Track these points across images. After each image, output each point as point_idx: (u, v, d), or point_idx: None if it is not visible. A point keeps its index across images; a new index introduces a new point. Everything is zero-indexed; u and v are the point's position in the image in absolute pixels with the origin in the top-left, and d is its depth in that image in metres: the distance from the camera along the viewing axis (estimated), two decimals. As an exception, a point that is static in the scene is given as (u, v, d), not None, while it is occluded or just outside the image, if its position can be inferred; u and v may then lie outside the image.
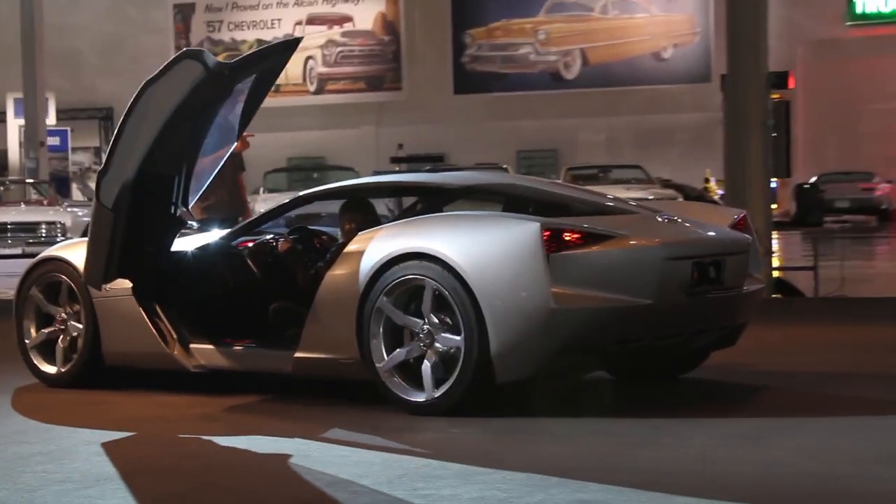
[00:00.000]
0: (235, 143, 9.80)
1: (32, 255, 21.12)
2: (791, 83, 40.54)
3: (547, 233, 7.70)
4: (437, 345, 8.00)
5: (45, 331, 9.71)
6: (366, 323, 8.21)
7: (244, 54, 9.15)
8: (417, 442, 7.31)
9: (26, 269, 9.91)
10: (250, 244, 9.62)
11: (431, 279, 7.94)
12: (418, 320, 8.08)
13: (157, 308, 9.20)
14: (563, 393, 8.71)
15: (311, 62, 49.57)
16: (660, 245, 8.10)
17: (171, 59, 8.44)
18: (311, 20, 49.54)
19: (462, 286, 7.81)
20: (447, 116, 45.55)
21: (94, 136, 50.22)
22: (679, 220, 8.76)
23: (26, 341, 9.76)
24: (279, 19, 49.76)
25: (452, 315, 7.92)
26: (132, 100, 8.43)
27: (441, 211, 9.03)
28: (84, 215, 32.33)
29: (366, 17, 49.28)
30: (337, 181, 28.26)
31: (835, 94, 44.39)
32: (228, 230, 9.81)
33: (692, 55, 46.03)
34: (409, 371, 8.16)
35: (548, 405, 8.33)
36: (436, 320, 8.01)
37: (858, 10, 44.01)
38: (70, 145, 44.12)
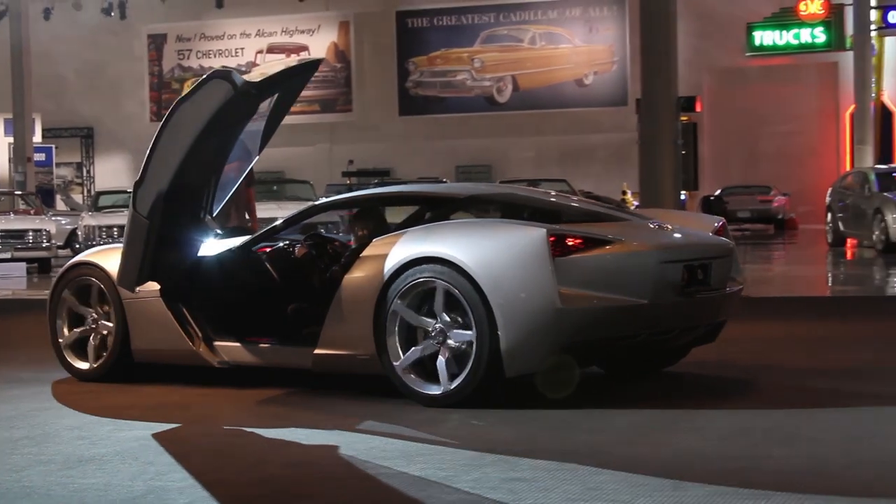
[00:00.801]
0: (257, 157, 9.63)
1: (20, 260, 20.65)
2: (698, 107, 40.80)
3: (552, 238, 7.64)
4: (450, 342, 7.89)
5: (77, 330, 9.56)
6: (382, 322, 8.10)
7: (269, 74, 8.98)
8: (451, 433, 7.12)
9: (59, 274, 9.78)
10: (268, 250, 9.51)
11: (445, 281, 7.83)
12: (431, 320, 7.95)
13: (183, 309, 9.08)
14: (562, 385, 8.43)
15: (271, 87, 49.37)
16: (655, 249, 8.09)
17: (202, 78, 8.34)
18: (271, 49, 49.52)
19: (474, 287, 7.70)
20: (393, 135, 45.56)
21: (76, 152, 49.96)
22: (669, 226, 8.71)
23: (60, 340, 9.62)
24: (242, 48, 49.71)
25: (464, 315, 7.82)
26: (166, 116, 8.39)
27: (448, 219, 8.89)
28: (67, 223, 32.26)
29: (320, 47, 49.28)
30: (295, 192, 28.38)
31: (737, 116, 44.62)
32: (248, 237, 9.60)
33: (611, 81, 46.20)
34: (423, 366, 8.05)
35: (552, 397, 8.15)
36: (448, 319, 7.89)
37: (757, 42, 44.24)
38: (54, 161, 44.01)
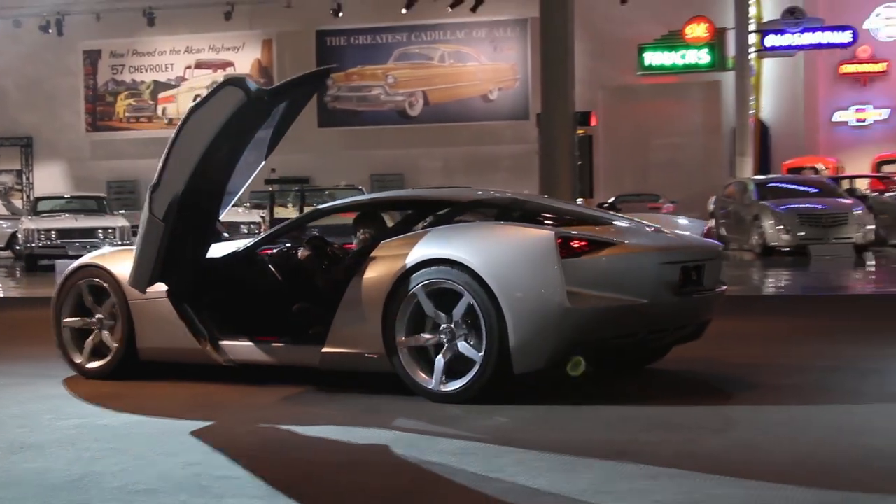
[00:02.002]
0: (263, 163, 9.29)
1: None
2: (593, 121, 40.99)
3: (559, 240, 7.48)
4: (457, 341, 7.67)
5: (80, 319, 9.30)
6: (390, 320, 7.87)
7: (282, 81, 8.69)
8: (479, 429, 6.88)
9: (64, 275, 9.47)
10: (270, 252, 9.32)
11: (454, 281, 7.61)
12: (444, 315, 7.72)
13: (189, 309, 8.78)
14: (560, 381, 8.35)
15: (199, 100, 49.07)
16: (655, 251, 7.94)
17: (216, 85, 8.02)
18: (199, 65, 49.25)
19: (483, 288, 7.50)
20: (313, 146, 45.39)
21: (16, 160, 49.25)
22: (664, 230, 8.58)
23: (64, 339, 9.36)
24: (172, 64, 49.35)
25: (473, 315, 7.60)
26: (181, 121, 8.09)
27: (451, 222, 8.70)
28: (8, 227, 31.92)
29: (245, 63, 49.05)
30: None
31: (629, 130, 44.93)
32: (251, 240, 9.38)
33: (514, 97, 46.36)
34: (430, 363, 7.81)
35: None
36: (458, 319, 7.67)
37: (647, 62, 44.55)
38: (-5, 168, 43.56)
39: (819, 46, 43.01)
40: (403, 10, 43.58)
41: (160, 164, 8.16)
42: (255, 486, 5.59)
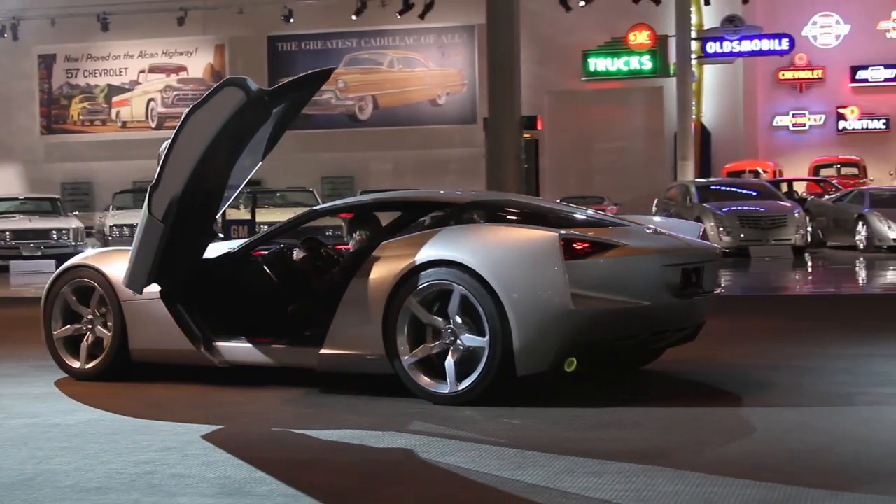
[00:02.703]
0: (259, 164, 9.05)
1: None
2: (539, 125, 41.21)
3: (562, 242, 7.29)
4: (460, 342, 7.47)
5: (71, 327, 9.07)
6: (392, 322, 7.66)
7: (283, 82, 8.48)
8: (494, 431, 6.70)
9: (55, 275, 9.22)
10: (265, 253, 9.10)
11: (457, 283, 7.40)
12: (441, 320, 7.54)
13: (183, 310, 8.50)
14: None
15: (152, 103, 49.10)
16: (657, 253, 7.80)
17: (216, 85, 7.76)
18: (153, 69, 49.06)
19: (486, 290, 7.30)
20: (264, 149, 45.20)
21: (-30, 161, 48.96)
22: (664, 232, 8.40)
23: (54, 339, 9.12)
24: (126, 68, 49.12)
25: (476, 316, 7.40)
26: (180, 121, 7.86)
27: (449, 223, 8.32)
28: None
29: (197, 67, 48.92)
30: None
31: (574, 134, 45.06)
32: (246, 240, 9.19)
33: (461, 102, 46.41)
34: (431, 366, 7.63)
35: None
36: (459, 320, 7.47)
37: (591, 68, 44.70)
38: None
39: (757, 53, 43.32)
40: (353, 17, 43.55)
41: (159, 164, 7.96)
42: (207, 485, 5.54)
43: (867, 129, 46.12)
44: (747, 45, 42.56)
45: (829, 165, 41.23)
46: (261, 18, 46.42)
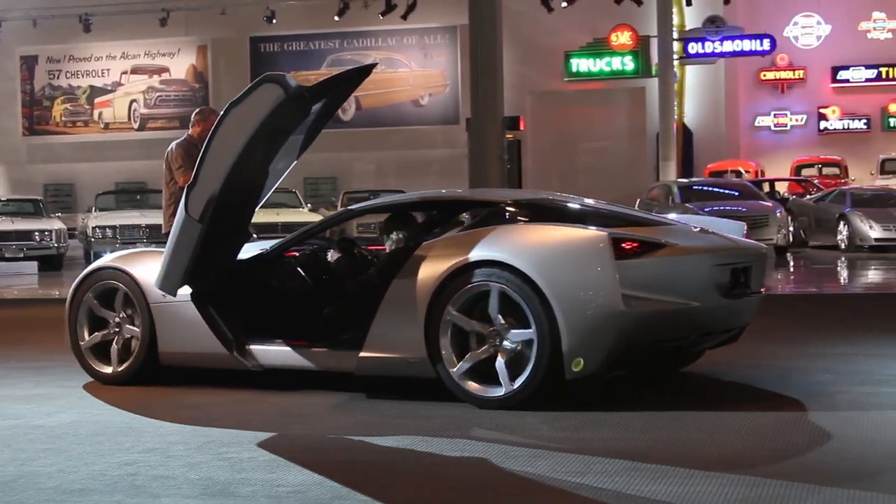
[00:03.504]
0: (295, 162, 8.80)
1: None
2: (522, 125, 41.26)
3: (611, 241, 7.09)
4: (506, 345, 7.26)
5: (99, 334, 8.80)
6: (435, 324, 7.44)
7: (323, 78, 8.28)
8: (544, 436, 6.57)
9: (80, 278, 8.99)
10: (297, 254, 8.86)
11: (504, 285, 7.18)
12: (485, 324, 7.32)
13: (214, 313, 8.30)
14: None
15: (134, 104, 49.01)
16: (707, 253, 7.60)
17: (254, 81, 7.56)
18: (135, 70, 48.95)
19: (534, 291, 7.08)
20: (247, 150, 45.14)
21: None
22: (710, 231, 8.17)
23: (81, 344, 8.85)
24: (108, 69, 48.97)
25: (522, 319, 7.18)
26: (218, 119, 7.71)
27: (488, 223, 7.93)
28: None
29: (180, 68, 48.85)
30: (157, 202, 27.96)
31: (556, 134, 45.06)
32: (278, 241, 8.86)
33: (444, 102, 46.40)
34: (476, 370, 7.40)
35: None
36: (503, 322, 7.26)
37: (574, 69, 44.68)
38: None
39: (739, 54, 43.37)
40: (336, 18, 43.49)
41: (197, 163, 7.80)
42: (190, 486, 5.54)
43: (848, 129, 46.21)
44: (729, 46, 42.62)
45: (811, 165, 41.31)
46: (243, 19, 46.35)
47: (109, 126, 48.98)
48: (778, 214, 25.10)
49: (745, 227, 8.77)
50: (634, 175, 42.40)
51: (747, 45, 42.83)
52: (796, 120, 46.52)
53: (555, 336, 7.07)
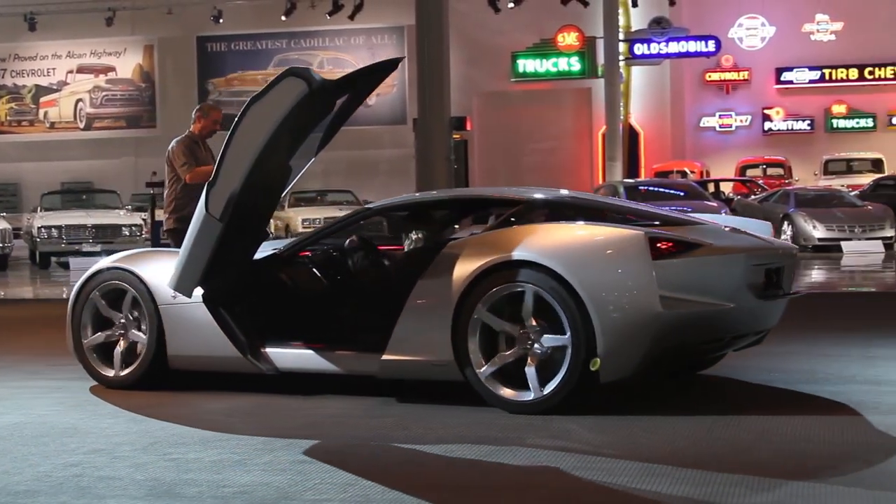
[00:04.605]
0: (313, 159, 8.47)
1: None
2: (469, 126, 41.29)
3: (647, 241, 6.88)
4: (537, 348, 7.00)
5: (102, 334, 8.44)
6: (462, 327, 7.16)
7: (348, 72, 8.00)
8: (594, 442, 6.36)
9: (83, 279, 8.55)
10: (311, 254, 8.46)
11: (538, 286, 6.91)
12: (517, 326, 7.06)
13: (226, 315, 7.97)
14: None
15: (80, 104, 48.75)
16: (744, 253, 7.34)
17: (277, 76, 7.28)
18: (81, 69, 48.69)
19: (568, 292, 6.82)
20: (193, 149, 44.98)
21: None
22: (742, 230, 7.90)
23: (84, 345, 8.48)
24: (54, 68, 48.70)
25: (554, 319, 6.92)
26: (238, 115, 7.34)
27: (514, 222, 7.66)
28: None
29: (126, 68, 48.63)
30: (104, 201, 27.82)
31: (503, 134, 45.15)
32: (292, 241, 8.62)
33: (392, 103, 46.40)
34: (506, 373, 7.13)
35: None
36: (534, 324, 7.00)
37: (520, 69, 44.76)
38: None
39: (684, 55, 43.62)
40: (283, 17, 43.39)
41: (217, 160, 7.52)
42: (136, 487, 5.51)
43: (792, 129, 46.59)
44: (674, 47, 42.85)
45: (755, 166, 41.60)
46: (190, 19, 46.17)
47: (55, 125, 48.72)
48: (723, 214, 25.24)
49: (772, 228, 8.56)
50: (581, 175, 42.61)
51: (692, 46, 43.09)
52: (741, 121, 46.87)
53: (590, 338, 6.83)
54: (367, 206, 8.61)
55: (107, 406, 7.76)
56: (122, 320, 8.40)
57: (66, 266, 25.96)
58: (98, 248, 25.41)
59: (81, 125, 48.85)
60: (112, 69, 48.69)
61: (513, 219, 7.76)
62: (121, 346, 8.41)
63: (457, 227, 8.79)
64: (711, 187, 33.83)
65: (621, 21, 42.20)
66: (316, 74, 7.25)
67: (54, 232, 25.48)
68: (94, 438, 6.68)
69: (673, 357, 7.42)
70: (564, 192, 8.66)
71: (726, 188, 35.93)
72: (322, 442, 6.43)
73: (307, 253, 8.51)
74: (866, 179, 33.80)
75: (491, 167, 44.79)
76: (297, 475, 5.68)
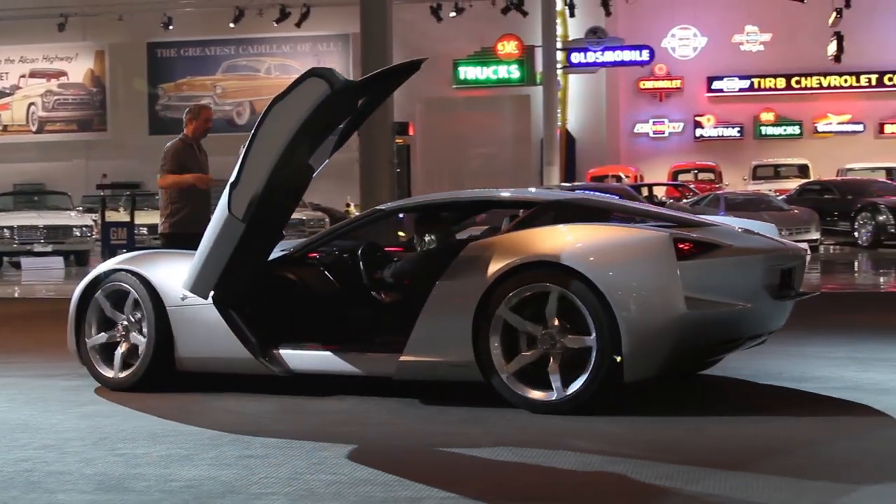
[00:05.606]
0: (327, 160, 8.14)
1: None
2: (411, 131, 41.31)
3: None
4: (560, 349, 6.82)
5: (105, 333, 8.15)
6: (484, 328, 6.96)
7: (371, 73, 7.80)
8: (622, 441, 6.18)
9: (87, 280, 8.26)
10: (323, 255, 8.27)
11: (563, 287, 6.74)
12: (539, 327, 6.87)
13: (237, 316, 7.73)
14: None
15: (33, 108, 48.43)
16: (762, 254, 7.21)
17: (299, 76, 7.06)
18: (34, 74, 48.39)
19: (593, 292, 6.66)
20: (143, 153, 44.63)
21: None
22: (754, 231, 7.74)
23: (88, 345, 8.19)
24: (7, 73, 48.36)
25: (579, 320, 6.75)
26: (261, 116, 7.15)
27: (534, 223, 7.45)
28: None
29: (78, 72, 48.32)
30: (55, 203, 27.58)
31: (445, 139, 45.19)
32: (303, 242, 8.30)
33: (336, 108, 46.30)
34: (527, 372, 6.95)
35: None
36: (557, 324, 6.82)
37: (462, 76, 44.94)
38: None
39: (619, 64, 43.93)
40: (231, 24, 43.27)
41: (239, 160, 7.29)
42: (86, 481, 5.48)
43: (722, 136, 46.93)
44: (610, 56, 43.13)
45: (687, 171, 41.86)
46: (140, 25, 45.91)
47: (7, 128, 48.34)
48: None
49: (777, 230, 8.42)
50: (520, 179, 42.63)
51: (627, 55, 43.41)
52: (674, 127, 47.16)
53: (615, 339, 6.67)
54: (379, 207, 8.43)
55: (57, 402, 7.71)
56: (125, 322, 8.11)
57: (17, 266, 25.75)
58: (49, 248, 25.23)
59: (34, 128, 48.52)
60: (64, 74, 48.40)
61: (528, 220, 7.58)
62: (122, 349, 8.13)
63: (472, 228, 8.59)
64: (645, 191, 33.99)
65: (559, 30, 42.40)
66: (339, 75, 7.07)
67: (6, 232, 25.25)
68: (45, 434, 6.63)
69: (693, 357, 7.35)
70: (577, 193, 8.48)
71: (659, 192, 36.11)
72: (267, 437, 6.42)
73: (319, 253, 8.34)
74: (793, 184, 34.05)
75: (433, 171, 44.82)
76: (242, 469, 5.66)
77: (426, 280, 7.34)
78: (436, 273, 7.27)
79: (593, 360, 6.73)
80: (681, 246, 6.77)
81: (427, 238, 8.13)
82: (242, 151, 7.24)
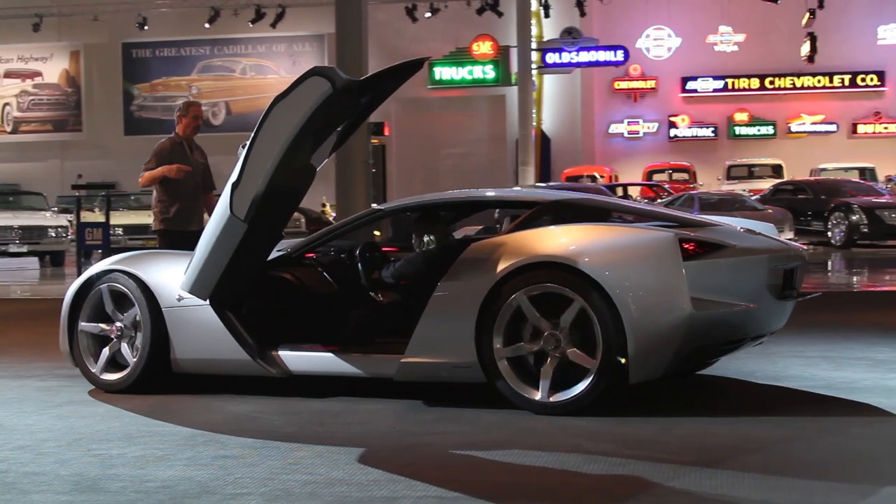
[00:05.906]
0: (326, 159, 8.00)
1: None
2: (387, 131, 41.34)
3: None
4: (565, 349, 6.77)
5: (99, 335, 8.03)
6: (487, 329, 6.89)
7: (374, 72, 7.63)
8: (629, 443, 6.07)
9: (82, 281, 8.13)
10: (320, 255, 8.22)
11: (567, 287, 6.69)
12: (544, 321, 6.81)
13: (233, 317, 7.64)
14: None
15: (7, 108, 48.28)
16: (766, 254, 7.14)
17: (301, 75, 6.98)
18: (8, 74, 48.26)
19: (598, 293, 6.61)
20: (118, 153, 44.64)
21: None
22: (756, 231, 7.68)
23: (82, 348, 8.08)
24: (-20, 73, 48.26)
25: (587, 330, 6.70)
26: (262, 115, 7.03)
27: (536, 223, 7.43)
28: None
29: (53, 73, 48.18)
30: (30, 203, 27.47)
31: (420, 140, 45.21)
32: (300, 242, 8.16)
33: (312, 108, 46.28)
34: (528, 373, 6.91)
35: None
36: (567, 328, 6.76)
37: (437, 77, 44.96)
38: None
39: (594, 64, 44.01)
40: (207, 25, 43.18)
41: (241, 161, 7.16)
42: (61, 482, 5.45)
43: (697, 136, 47.09)
44: (584, 56, 43.20)
45: (662, 171, 41.97)
46: (115, 25, 45.79)
47: (-16, 129, 48.18)
48: (630, 217, 25.39)
49: (776, 230, 8.40)
50: (495, 179, 42.73)
51: (602, 55, 43.48)
52: (648, 127, 47.29)
53: (621, 340, 6.62)
54: (377, 206, 8.36)
55: (32, 403, 7.67)
56: (119, 323, 8.00)
57: (-8, 266, 25.67)
58: (24, 248, 25.14)
59: (8, 129, 48.36)
60: (39, 74, 48.26)
61: (530, 220, 7.52)
62: (114, 349, 8.03)
63: (466, 228, 8.49)
64: (620, 191, 34.08)
65: (534, 31, 42.45)
66: (341, 73, 6.97)
67: (-17, 233, 25.16)
68: (20, 435, 6.60)
69: (697, 358, 7.29)
70: (577, 193, 8.39)
71: (634, 192, 36.20)
72: (243, 437, 6.40)
73: (317, 254, 8.29)
74: (767, 184, 34.20)
75: (408, 171, 44.85)
76: (218, 470, 5.65)
77: (427, 281, 7.29)
78: (437, 274, 7.22)
79: (598, 360, 6.68)
80: (686, 246, 6.74)
81: (426, 238, 8.06)
82: (243, 152, 7.15)
